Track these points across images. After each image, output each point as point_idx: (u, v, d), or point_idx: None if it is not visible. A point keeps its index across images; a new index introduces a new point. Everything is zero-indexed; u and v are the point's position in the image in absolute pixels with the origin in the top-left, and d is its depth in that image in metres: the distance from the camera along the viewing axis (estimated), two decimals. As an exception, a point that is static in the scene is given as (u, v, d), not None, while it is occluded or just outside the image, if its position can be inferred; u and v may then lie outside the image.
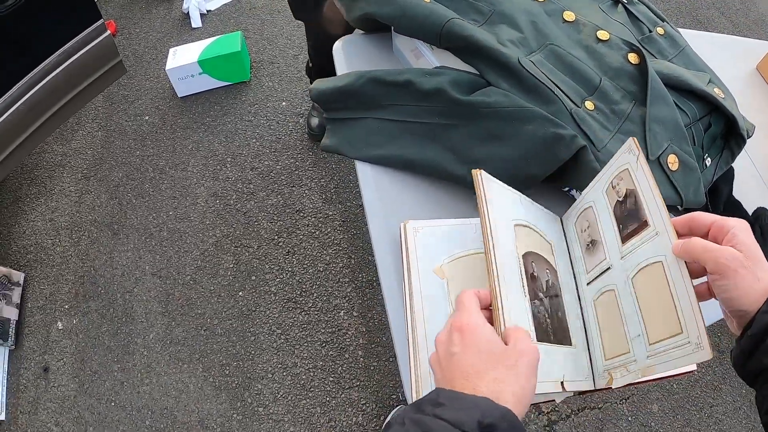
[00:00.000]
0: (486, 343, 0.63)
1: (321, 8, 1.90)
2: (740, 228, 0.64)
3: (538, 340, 0.76)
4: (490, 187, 0.85)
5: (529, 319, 0.76)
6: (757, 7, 3.49)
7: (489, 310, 0.71)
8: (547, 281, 0.85)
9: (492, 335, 0.64)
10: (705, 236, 0.68)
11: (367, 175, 1.13)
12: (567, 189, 1.11)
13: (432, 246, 0.97)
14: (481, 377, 0.60)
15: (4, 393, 2.06)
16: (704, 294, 0.69)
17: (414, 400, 0.83)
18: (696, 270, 0.67)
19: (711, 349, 0.62)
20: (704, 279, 0.67)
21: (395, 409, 1.99)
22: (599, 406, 2.04)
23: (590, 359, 0.82)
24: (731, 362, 0.65)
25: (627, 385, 0.77)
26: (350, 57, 1.32)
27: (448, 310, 0.91)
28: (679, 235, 0.70)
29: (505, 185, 0.90)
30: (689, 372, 0.76)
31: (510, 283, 0.76)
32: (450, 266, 0.95)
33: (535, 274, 0.83)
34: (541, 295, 0.81)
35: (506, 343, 0.65)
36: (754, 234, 1.13)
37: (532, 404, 0.66)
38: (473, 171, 0.85)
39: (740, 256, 0.61)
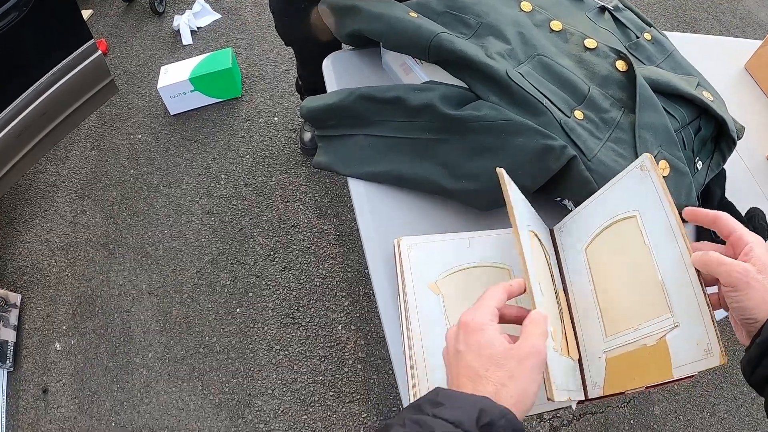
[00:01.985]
0: (487, 346, 0.63)
1: (309, 32, 1.90)
2: (757, 243, 0.67)
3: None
4: (512, 188, 0.87)
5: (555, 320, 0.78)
6: (743, 6, 3.50)
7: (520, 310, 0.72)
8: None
9: (494, 334, 0.64)
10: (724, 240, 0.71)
11: (360, 192, 1.13)
12: (559, 199, 1.11)
13: (426, 262, 0.97)
14: (482, 378, 0.60)
15: (4, 415, 2.05)
16: (715, 305, 0.71)
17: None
18: (708, 280, 0.70)
19: (722, 355, 0.65)
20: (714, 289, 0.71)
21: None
22: (601, 410, 2.03)
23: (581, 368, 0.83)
24: (740, 370, 0.67)
25: (616, 394, 0.78)
26: (340, 73, 1.32)
27: (445, 325, 0.91)
28: (704, 225, 0.74)
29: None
30: (690, 376, 0.76)
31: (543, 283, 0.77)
32: (445, 281, 0.95)
33: None
34: None
35: (520, 334, 0.65)
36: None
37: (537, 414, 0.66)
38: (498, 169, 0.86)
39: (753, 270, 0.64)
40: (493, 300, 0.68)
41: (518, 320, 0.70)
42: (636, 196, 0.83)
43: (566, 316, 0.87)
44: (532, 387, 0.61)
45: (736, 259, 0.67)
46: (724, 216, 0.71)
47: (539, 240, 0.91)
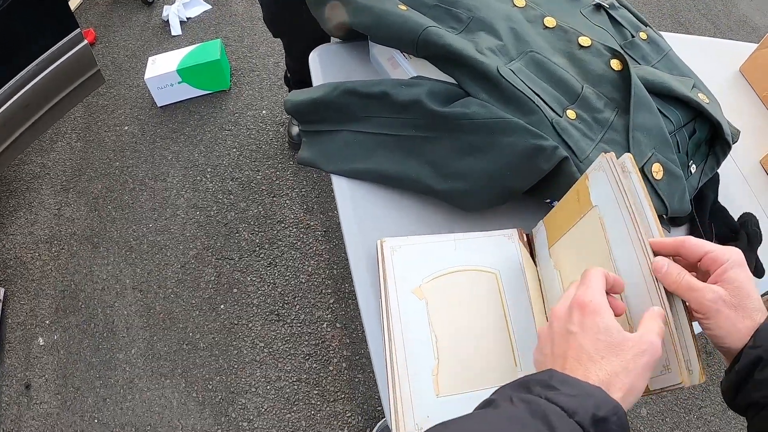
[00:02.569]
0: (605, 331, 0.61)
1: (298, 23, 1.87)
2: (733, 262, 0.63)
3: None
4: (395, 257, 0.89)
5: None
6: (738, 9, 3.50)
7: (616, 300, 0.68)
8: None
9: (612, 321, 0.62)
10: (695, 264, 0.67)
11: (344, 189, 1.10)
12: (549, 201, 1.08)
13: (410, 265, 0.94)
14: (595, 364, 0.59)
15: (-15, 410, 2.03)
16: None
17: (395, 423, 0.80)
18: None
19: (682, 372, 0.63)
20: None
21: (380, 422, 1.96)
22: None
23: None
24: (721, 393, 0.65)
25: None
26: (326, 66, 1.29)
27: (429, 332, 0.88)
28: (667, 256, 0.69)
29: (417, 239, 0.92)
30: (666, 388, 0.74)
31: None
32: (429, 285, 0.92)
33: None
34: None
35: (638, 327, 0.63)
36: (740, 240, 1.11)
37: None
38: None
39: (724, 296, 0.61)
40: (601, 282, 0.66)
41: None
42: (599, 196, 0.79)
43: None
44: (642, 383, 0.59)
45: (709, 278, 0.65)
46: (690, 240, 0.67)
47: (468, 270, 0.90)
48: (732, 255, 0.64)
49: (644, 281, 0.68)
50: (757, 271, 1.12)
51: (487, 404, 0.55)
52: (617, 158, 0.77)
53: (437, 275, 0.93)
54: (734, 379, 0.61)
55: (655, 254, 0.68)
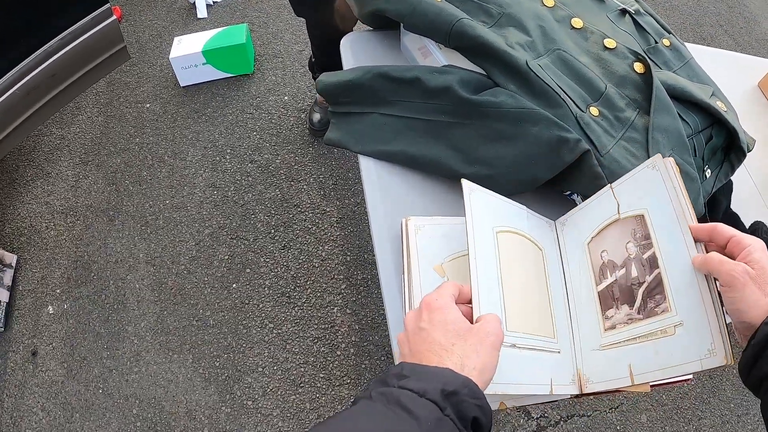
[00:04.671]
0: (452, 322, 0.68)
1: (322, 7, 1.90)
2: (756, 247, 0.69)
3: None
4: (477, 196, 0.88)
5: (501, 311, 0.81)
6: (760, 26, 3.51)
7: (469, 306, 0.76)
8: None
9: (458, 315, 0.70)
10: (724, 247, 0.73)
11: (370, 169, 1.13)
12: (569, 193, 1.11)
13: (433, 244, 0.97)
14: (448, 352, 0.65)
15: (-9, 375, 2.06)
16: None
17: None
18: None
19: (727, 356, 0.68)
20: None
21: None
22: (588, 414, 2.04)
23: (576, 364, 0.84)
24: (738, 371, 0.69)
25: (613, 391, 0.79)
26: (357, 53, 1.32)
27: None
28: (701, 241, 0.76)
29: (495, 194, 0.93)
30: (686, 380, 0.77)
31: (485, 278, 0.80)
32: (450, 264, 0.95)
33: None
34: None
35: (475, 322, 0.72)
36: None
37: (521, 406, 0.69)
38: (462, 181, 0.88)
39: (751, 272, 0.66)
40: (451, 288, 0.74)
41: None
42: (647, 195, 0.84)
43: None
44: (492, 362, 0.66)
45: (736, 258, 0.70)
46: (720, 225, 0.74)
47: (526, 237, 0.92)
48: (754, 241, 0.70)
49: (690, 269, 0.74)
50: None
51: (352, 404, 0.61)
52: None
53: (458, 255, 0.96)
54: (750, 353, 0.65)
55: (695, 240, 0.75)
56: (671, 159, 0.82)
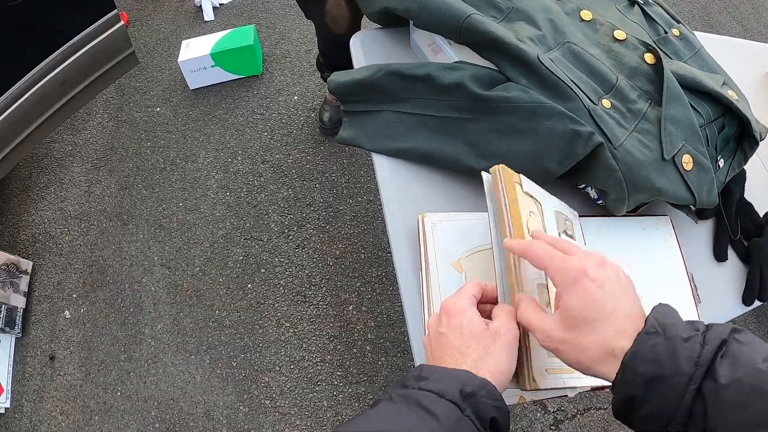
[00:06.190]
0: (467, 326, 0.69)
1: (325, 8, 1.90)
2: (565, 286, 0.64)
3: None
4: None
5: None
6: (768, 12, 3.49)
7: (493, 304, 0.76)
8: None
9: (475, 317, 0.70)
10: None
11: (384, 167, 1.14)
12: (582, 186, 1.11)
13: (450, 239, 0.98)
14: (464, 355, 0.66)
15: (10, 381, 2.08)
16: None
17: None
18: None
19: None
20: None
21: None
22: (605, 406, 2.04)
23: None
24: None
25: None
26: (367, 51, 1.32)
27: None
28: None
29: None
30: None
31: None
32: (467, 260, 0.96)
33: None
34: None
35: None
36: (765, 236, 1.14)
37: (537, 400, 0.70)
38: (483, 174, 0.89)
39: (553, 329, 0.65)
40: (471, 289, 0.75)
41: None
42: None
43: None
44: (506, 359, 0.67)
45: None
46: (533, 247, 0.70)
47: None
48: (567, 275, 0.64)
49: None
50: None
51: (372, 405, 0.62)
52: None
53: (476, 250, 0.97)
54: (618, 412, 0.64)
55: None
56: (501, 167, 0.84)
